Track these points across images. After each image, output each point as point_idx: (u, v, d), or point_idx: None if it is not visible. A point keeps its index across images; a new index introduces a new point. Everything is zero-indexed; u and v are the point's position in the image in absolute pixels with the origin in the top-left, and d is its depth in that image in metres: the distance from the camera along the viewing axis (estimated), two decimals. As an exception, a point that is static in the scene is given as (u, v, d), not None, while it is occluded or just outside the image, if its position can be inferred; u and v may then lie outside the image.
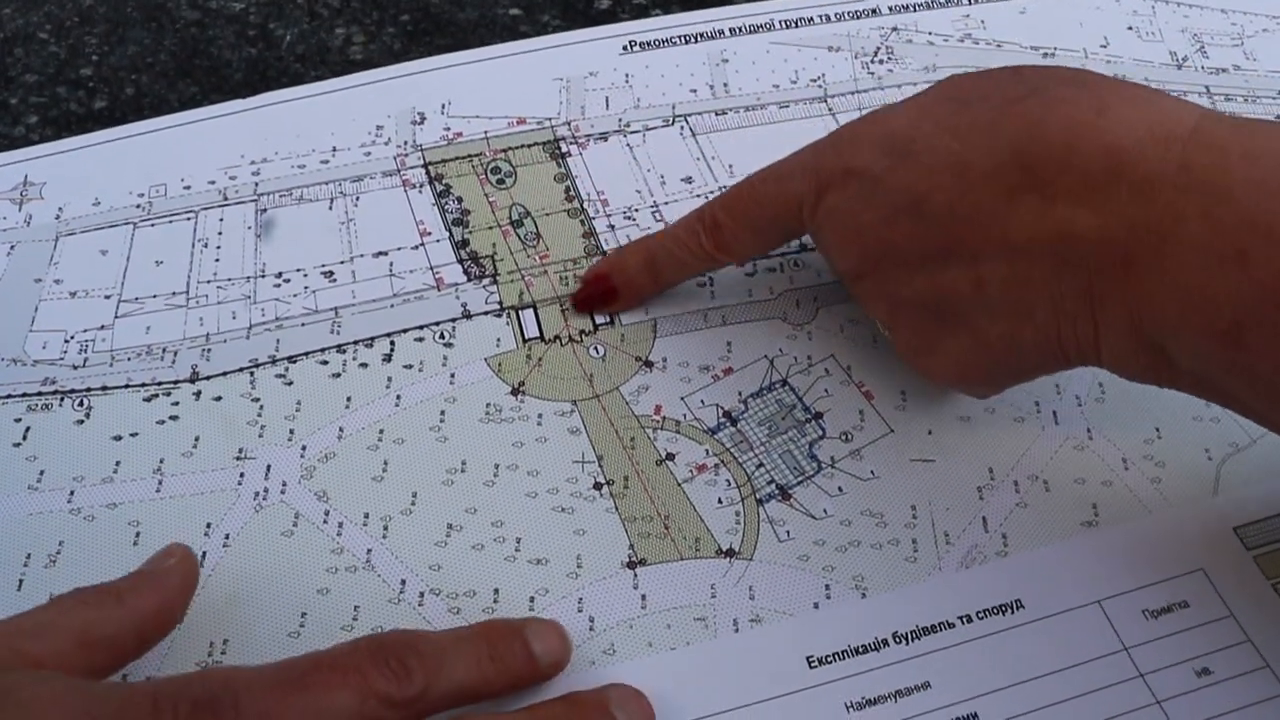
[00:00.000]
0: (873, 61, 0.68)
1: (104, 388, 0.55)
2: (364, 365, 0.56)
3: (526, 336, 0.57)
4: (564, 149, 0.64)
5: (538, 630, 0.46)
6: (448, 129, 0.64)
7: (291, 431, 0.54)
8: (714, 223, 0.54)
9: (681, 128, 0.65)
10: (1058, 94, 0.44)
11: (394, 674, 0.41)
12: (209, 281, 0.59)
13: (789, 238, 0.56)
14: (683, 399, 0.55)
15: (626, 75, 0.67)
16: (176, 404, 0.55)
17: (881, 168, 0.48)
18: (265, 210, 0.61)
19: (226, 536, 0.51)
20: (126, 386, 0.55)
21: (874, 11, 0.71)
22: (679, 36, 0.69)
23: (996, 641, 0.48)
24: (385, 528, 0.51)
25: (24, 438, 0.53)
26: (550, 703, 0.44)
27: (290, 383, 0.55)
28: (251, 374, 0.55)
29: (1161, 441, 0.54)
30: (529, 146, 0.64)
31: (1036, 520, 0.52)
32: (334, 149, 0.63)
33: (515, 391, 0.55)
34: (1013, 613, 0.49)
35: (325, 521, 0.51)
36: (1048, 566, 0.51)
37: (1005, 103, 0.45)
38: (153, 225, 0.61)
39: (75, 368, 0.56)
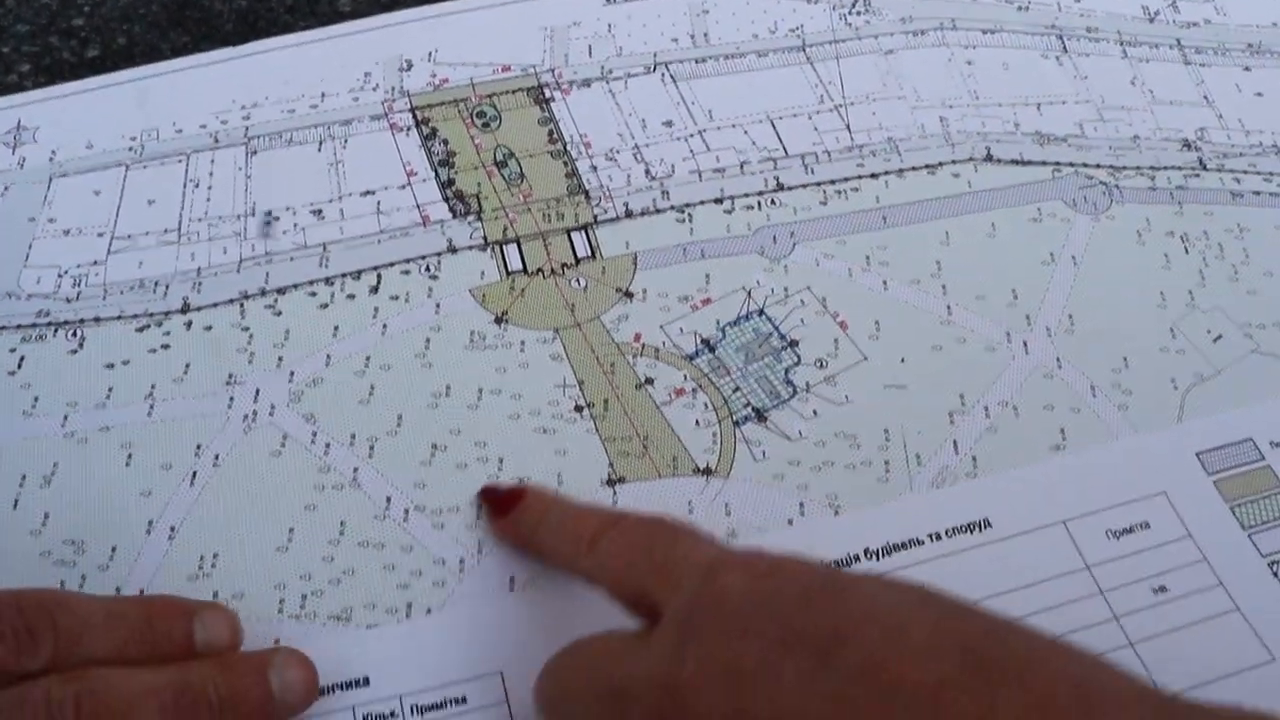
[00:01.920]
0: (850, 13, 0.70)
1: (97, 319, 0.56)
2: (351, 296, 0.57)
3: (510, 269, 0.58)
4: (548, 95, 0.65)
5: (207, 616, 0.45)
6: (434, 75, 0.66)
7: (280, 358, 0.55)
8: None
9: (663, 75, 0.66)
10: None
11: (16, 643, 0.41)
12: (200, 219, 0.60)
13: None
14: (662, 327, 0.56)
15: (609, 25, 0.68)
16: (168, 334, 0.56)
17: None
18: (257, 163, 0.62)
19: (216, 456, 0.52)
20: (119, 318, 0.56)
21: (852, -36, 0.72)
22: (661, -12, 0.70)
23: (964, 559, 0.50)
24: (371, 448, 0.52)
25: (18, 366, 0.55)
26: (203, 662, 0.44)
27: (279, 313, 0.56)
28: (241, 305, 0.57)
29: (1129, 371, 0.56)
30: (513, 92, 0.65)
31: (1005, 444, 0.53)
32: (323, 95, 0.65)
33: (499, 320, 0.56)
34: (980, 531, 0.50)
35: (313, 442, 0.52)
36: (1015, 488, 0.52)
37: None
38: (145, 167, 0.62)
39: (69, 300, 0.57)
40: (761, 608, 0.37)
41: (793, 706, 0.34)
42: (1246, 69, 0.69)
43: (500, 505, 0.50)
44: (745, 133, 0.64)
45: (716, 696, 0.35)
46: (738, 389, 0.54)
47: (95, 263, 0.58)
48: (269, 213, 0.59)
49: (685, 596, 0.39)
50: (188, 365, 0.55)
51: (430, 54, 0.66)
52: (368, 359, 0.55)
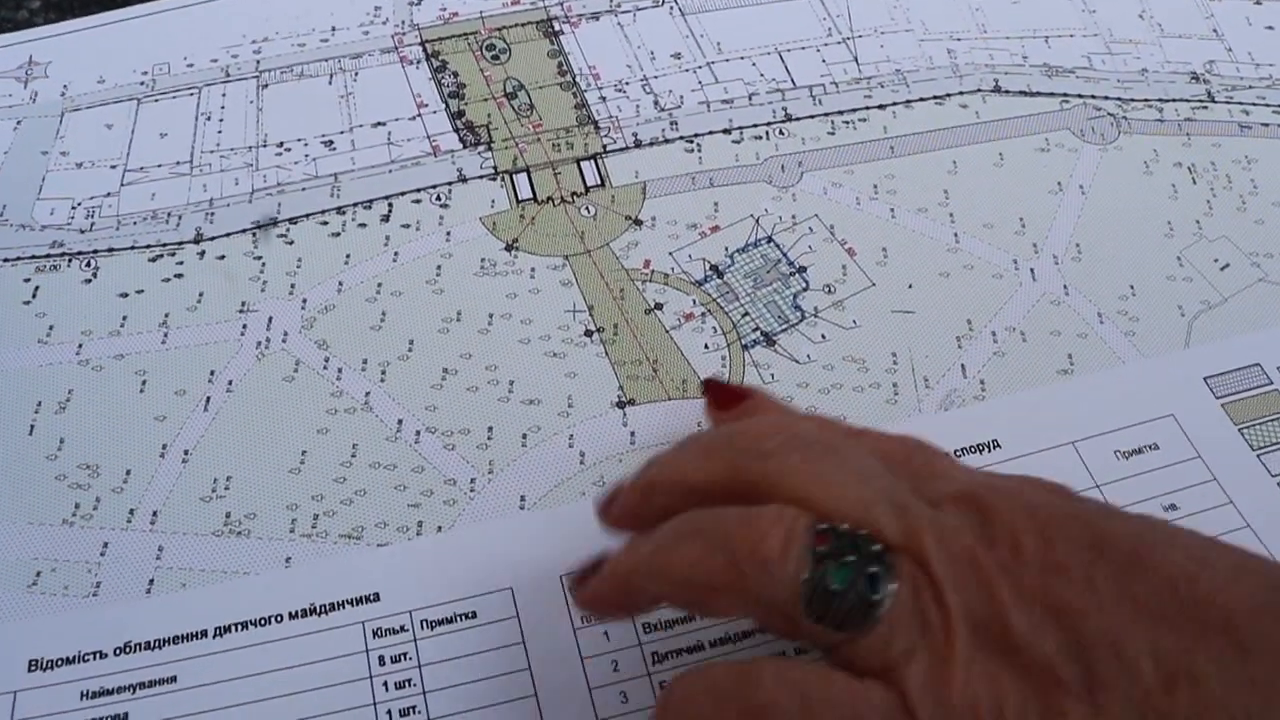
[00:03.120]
0: (859, -53, 0.69)
1: (110, 249, 0.57)
2: (363, 225, 0.57)
3: (520, 198, 0.58)
4: (557, 28, 0.65)
5: None
6: (444, 9, 0.66)
7: (293, 286, 0.55)
8: None
9: (671, 8, 0.66)
10: None
11: None
12: (212, 151, 0.60)
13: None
14: (671, 254, 0.57)
15: (618, -41, 0.69)
16: (181, 263, 0.56)
17: None
18: (268, 95, 0.62)
19: (230, 382, 0.52)
20: (132, 248, 0.57)
21: (861, -102, 0.72)
22: (670, -78, 0.70)
23: (973, 478, 0.50)
24: (383, 372, 0.53)
25: (33, 296, 0.55)
26: None
27: (291, 242, 0.57)
28: (254, 234, 0.57)
29: (1136, 298, 0.56)
30: (523, 25, 0.65)
31: (1013, 368, 0.54)
32: (333, 29, 0.65)
33: (509, 247, 0.57)
34: (990, 451, 0.51)
35: (325, 367, 0.53)
36: (1024, 410, 0.52)
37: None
38: (156, 101, 0.62)
39: (82, 231, 0.57)
40: (1065, 515, 0.36)
41: (1104, 604, 0.33)
42: (1257, 2, 0.69)
43: (723, 400, 0.46)
44: (753, 65, 0.64)
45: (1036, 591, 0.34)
46: (746, 314, 0.55)
47: (108, 194, 0.59)
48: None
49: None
50: (201, 294, 0.55)
51: (440, -12, 0.67)
52: (379, 286, 0.55)
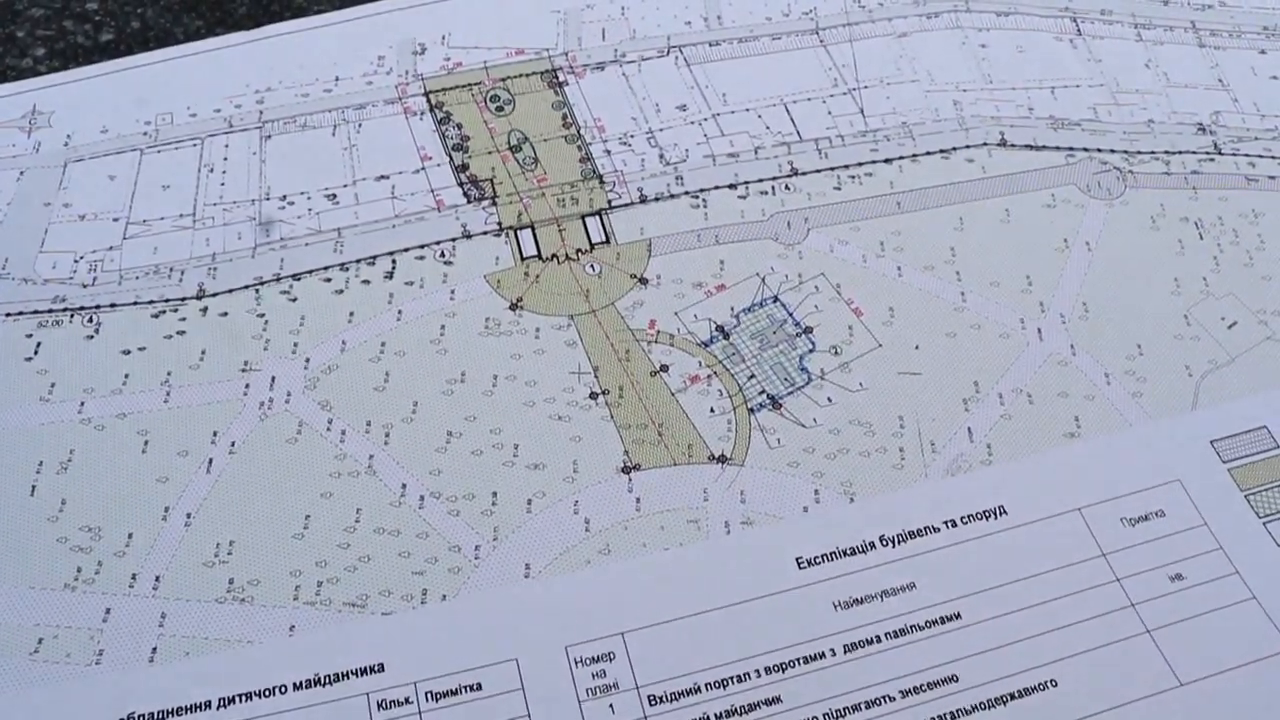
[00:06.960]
0: (865, -4, 0.69)
1: (112, 305, 0.56)
2: (366, 282, 0.57)
3: (524, 255, 0.58)
4: (561, 78, 0.65)
5: None
6: (448, 59, 0.66)
7: (295, 345, 0.55)
8: None
9: (676, 58, 0.66)
10: None
11: None
12: (215, 204, 0.60)
13: None
14: (676, 314, 0.56)
15: (622, 8, 0.68)
16: (184, 319, 0.56)
17: None
18: (271, 147, 0.62)
19: (232, 444, 0.52)
20: (135, 304, 0.56)
21: (866, -54, 0.72)
22: (674, -30, 0.70)
23: (980, 545, 0.50)
24: (387, 435, 0.52)
25: (35, 352, 0.55)
26: None
27: (294, 299, 0.57)
28: (257, 291, 0.57)
29: (1143, 358, 0.56)
30: (527, 76, 0.65)
31: (1020, 431, 0.53)
32: (336, 78, 0.65)
33: (514, 306, 0.56)
34: (996, 518, 0.50)
35: (328, 429, 0.52)
36: (1030, 475, 0.52)
37: None
38: (159, 151, 0.62)
39: (85, 286, 0.57)
40: None
41: None
42: (1262, 52, 0.69)
43: None
44: (759, 117, 0.64)
45: None
46: (752, 376, 0.54)
47: (110, 248, 0.58)
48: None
49: None
50: (203, 352, 0.55)
51: (443, 37, 0.66)
52: (383, 345, 0.55)
